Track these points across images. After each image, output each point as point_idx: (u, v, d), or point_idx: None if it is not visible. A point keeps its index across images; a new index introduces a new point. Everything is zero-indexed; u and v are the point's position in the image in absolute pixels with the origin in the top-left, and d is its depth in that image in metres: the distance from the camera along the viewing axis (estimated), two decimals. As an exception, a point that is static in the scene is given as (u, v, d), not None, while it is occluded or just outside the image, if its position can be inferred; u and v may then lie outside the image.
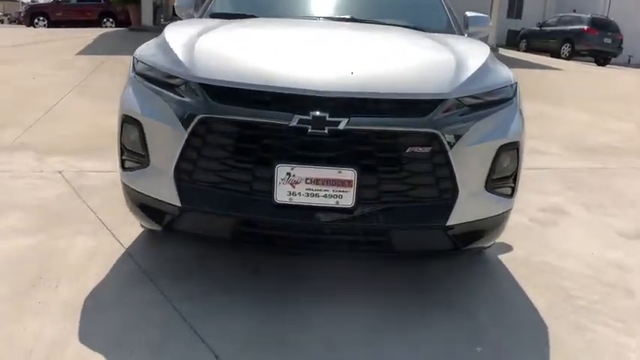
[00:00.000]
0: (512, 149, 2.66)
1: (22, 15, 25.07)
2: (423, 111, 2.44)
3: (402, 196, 2.49)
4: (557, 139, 6.93)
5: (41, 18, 22.84)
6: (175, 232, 2.66)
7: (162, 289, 2.85)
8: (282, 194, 2.43)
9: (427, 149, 2.44)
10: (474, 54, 2.87)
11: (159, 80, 2.65)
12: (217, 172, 2.51)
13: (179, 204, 2.56)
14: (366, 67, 2.58)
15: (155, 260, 3.15)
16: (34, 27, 22.10)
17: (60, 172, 4.57)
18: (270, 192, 2.43)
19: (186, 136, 2.49)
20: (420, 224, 2.52)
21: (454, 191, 2.52)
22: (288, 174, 2.40)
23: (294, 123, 2.36)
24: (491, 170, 2.61)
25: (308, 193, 2.42)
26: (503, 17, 26.53)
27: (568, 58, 20.63)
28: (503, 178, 2.68)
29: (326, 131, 2.35)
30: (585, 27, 20.73)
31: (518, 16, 30.16)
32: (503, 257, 3.43)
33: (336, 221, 2.46)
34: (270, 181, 2.42)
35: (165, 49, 2.76)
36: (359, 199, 2.43)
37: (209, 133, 2.48)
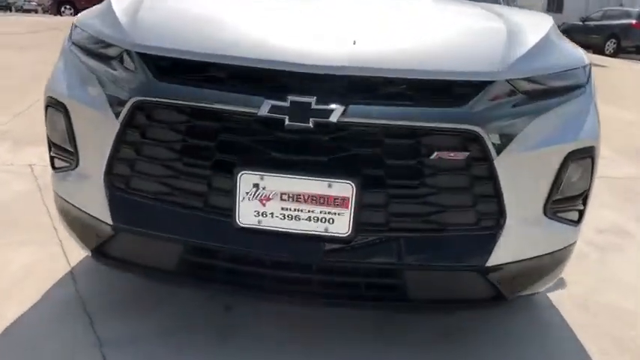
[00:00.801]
0: (585, 157, 1.85)
1: (49, 4, 25.07)
2: (457, 98, 1.66)
3: (423, 222, 1.71)
4: (608, 141, 6.00)
5: (67, 7, 22.63)
6: (108, 259, 1.92)
7: (97, 327, 2.13)
8: (246, 214, 1.67)
9: (462, 155, 1.65)
10: (532, 24, 2.06)
11: (95, 52, 1.92)
12: (159, 179, 1.77)
13: (110, 221, 1.83)
14: (373, 34, 1.80)
15: (101, 285, 2.44)
16: (61, 15, 21.87)
17: (31, 165, 4.07)
18: (231, 210, 1.68)
19: (118, 127, 1.76)
20: (447, 264, 1.74)
21: (499, 217, 1.73)
22: (256, 186, 1.64)
23: (264, 111, 1.60)
24: (554, 187, 1.80)
25: (284, 215, 1.66)
26: (543, 11, 25.23)
27: (613, 55, 19.37)
28: (569, 199, 1.88)
29: (311, 125, 1.59)
30: (633, 21, 19.40)
31: (559, 9, 28.72)
32: (555, 296, 2.62)
33: (325, 256, 1.70)
34: (231, 194, 1.67)
35: (108, 12, 2.02)
36: (358, 224, 1.66)
37: (149, 124, 1.74)
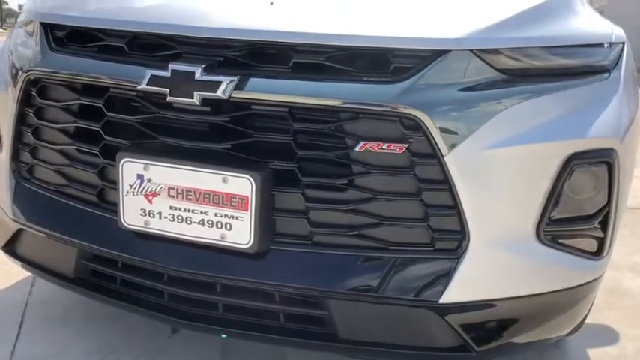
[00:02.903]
0: (600, 163, 1.34)
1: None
2: (395, 72, 1.23)
3: (351, 237, 1.29)
4: None
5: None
6: (17, 258, 1.68)
7: (20, 341, 1.88)
8: (131, 214, 1.35)
9: (398, 148, 1.22)
10: None
11: (19, 28, 1.72)
12: (52, 167, 1.51)
13: (11, 216, 1.59)
14: None
15: (57, 292, 2.21)
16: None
17: None
18: (116, 207, 1.37)
19: (16, 105, 1.52)
20: (387, 295, 1.29)
21: (458, 237, 1.27)
22: (140, 177, 1.32)
23: (144, 84, 1.28)
24: (550, 201, 1.30)
25: (173, 216, 1.32)
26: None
27: None
28: (577, 220, 1.36)
29: (196, 100, 1.24)
30: None
31: None
32: (597, 353, 2.02)
33: (224, 272, 1.33)
34: (115, 187, 1.36)
35: None
36: (262, 233, 1.28)
37: (42, 103, 1.49)
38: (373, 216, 1.27)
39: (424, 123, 1.19)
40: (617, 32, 1.52)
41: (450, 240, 1.28)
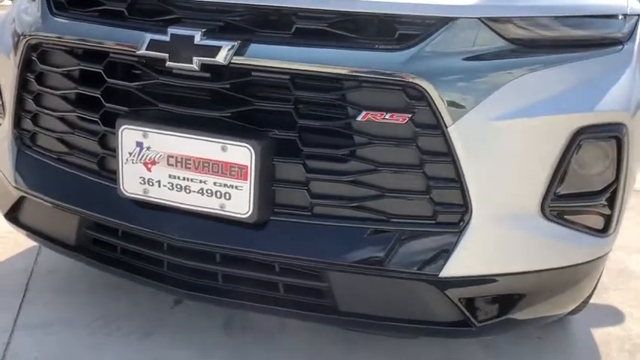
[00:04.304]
0: (609, 137, 1.30)
1: None
2: (400, 40, 1.20)
3: (352, 208, 1.27)
4: None
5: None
6: (19, 225, 1.68)
7: (24, 308, 1.90)
8: (131, 182, 1.34)
9: (401, 118, 1.19)
10: None
11: None
12: (55, 133, 1.50)
13: (13, 183, 1.59)
14: None
15: (61, 261, 2.22)
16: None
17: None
18: (116, 175, 1.36)
19: (17, 71, 1.51)
20: (386, 268, 1.27)
21: (461, 211, 1.24)
22: (140, 145, 1.30)
23: (143, 48, 1.25)
24: (556, 177, 1.27)
25: (172, 185, 1.30)
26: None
27: None
28: (584, 196, 1.33)
29: (195, 66, 1.21)
30: None
31: None
32: (601, 334, 1.99)
33: (224, 242, 1.32)
34: (115, 155, 1.35)
35: None
36: (262, 203, 1.26)
37: (44, 68, 1.47)
38: (375, 188, 1.25)
39: (428, 93, 1.16)
40: (632, 4, 1.47)
41: (453, 213, 1.25)
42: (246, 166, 1.23)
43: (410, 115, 1.18)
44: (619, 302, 2.15)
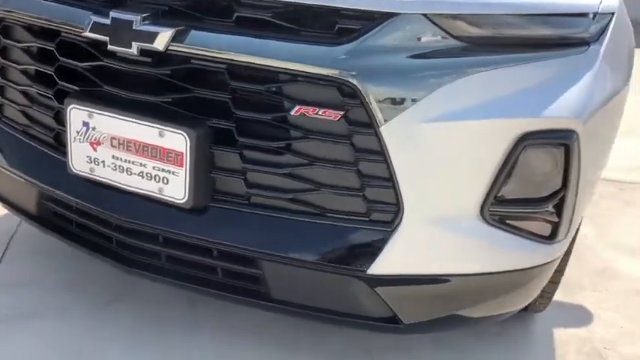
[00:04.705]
0: (558, 144, 1.26)
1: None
2: (338, 34, 1.18)
3: (286, 199, 1.28)
4: None
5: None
6: None
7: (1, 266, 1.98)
8: (79, 159, 1.37)
9: (334, 115, 1.18)
10: None
11: None
12: (18, 106, 1.54)
13: (-20, 152, 1.65)
14: None
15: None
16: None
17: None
18: (65, 153, 1.39)
19: None
20: (317, 261, 1.28)
21: (392, 210, 1.23)
22: (86, 125, 1.33)
23: (87, 31, 1.26)
24: (498, 181, 1.25)
25: (115, 165, 1.33)
26: None
27: None
28: (527, 202, 1.30)
29: (134, 51, 1.22)
30: None
31: None
32: (562, 333, 1.97)
33: (163, 225, 1.34)
34: (65, 133, 1.38)
35: None
36: (197, 190, 1.28)
37: (7, 42, 1.50)
38: (309, 182, 1.25)
39: (360, 91, 1.14)
40: (606, 1, 1.40)
41: (386, 212, 1.25)
42: (182, 153, 1.24)
43: (343, 113, 1.17)
44: (591, 303, 2.11)
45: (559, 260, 1.47)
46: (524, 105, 1.23)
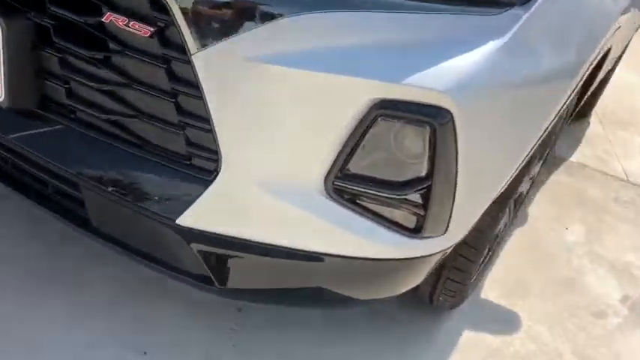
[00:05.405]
0: (420, 122, 1.01)
1: None
2: None
3: (107, 122, 1.12)
4: None
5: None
6: None
7: None
8: None
9: (144, 30, 0.99)
10: None
11: None
12: None
13: None
14: None
15: None
16: None
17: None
18: None
19: None
20: (128, 197, 1.13)
21: (215, 158, 1.05)
22: None
23: None
24: (345, 150, 1.03)
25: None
26: None
27: None
28: (382, 183, 1.07)
29: None
30: None
31: None
32: (472, 338, 1.75)
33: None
34: None
35: None
36: (16, 89, 1.14)
37: None
38: (129, 106, 1.08)
39: (169, 4, 0.94)
40: None
41: (207, 160, 1.07)
42: (-7, 36, 1.09)
43: (154, 29, 0.97)
44: (529, 312, 1.87)
45: (437, 257, 1.25)
46: (384, 65, 0.99)
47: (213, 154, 1.05)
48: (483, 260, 1.66)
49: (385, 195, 1.08)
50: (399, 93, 0.98)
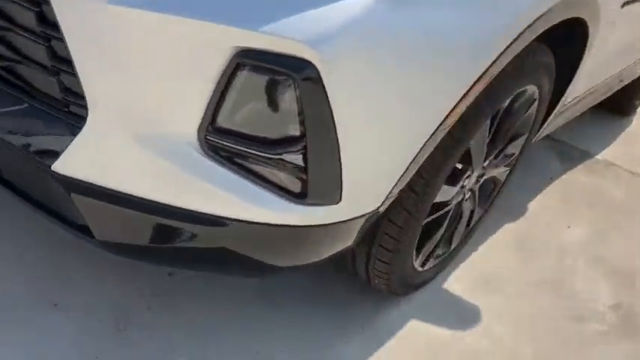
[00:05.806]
0: (283, 76, 0.94)
1: None
2: None
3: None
4: None
5: None
6: None
7: None
8: None
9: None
10: None
11: None
12: None
13: None
14: None
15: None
16: None
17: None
18: None
19: None
20: (14, 139, 1.14)
21: (84, 104, 1.03)
22: None
23: None
24: (212, 102, 0.98)
25: None
26: None
27: None
28: (257, 141, 1.01)
29: None
30: None
31: None
32: (427, 329, 1.64)
33: None
34: None
35: None
36: None
37: None
38: (11, 48, 1.08)
39: None
40: None
41: (78, 106, 1.05)
42: None
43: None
44: (494, 309, 1.73)
45: (347, 228, 1.17)
46: (245, 11, 0.92)
47: (82, 100, 1.03)
48: (428, 244, 1.55)
49: (262, 154, 1.02)
50: (259, 42, 0.91)
